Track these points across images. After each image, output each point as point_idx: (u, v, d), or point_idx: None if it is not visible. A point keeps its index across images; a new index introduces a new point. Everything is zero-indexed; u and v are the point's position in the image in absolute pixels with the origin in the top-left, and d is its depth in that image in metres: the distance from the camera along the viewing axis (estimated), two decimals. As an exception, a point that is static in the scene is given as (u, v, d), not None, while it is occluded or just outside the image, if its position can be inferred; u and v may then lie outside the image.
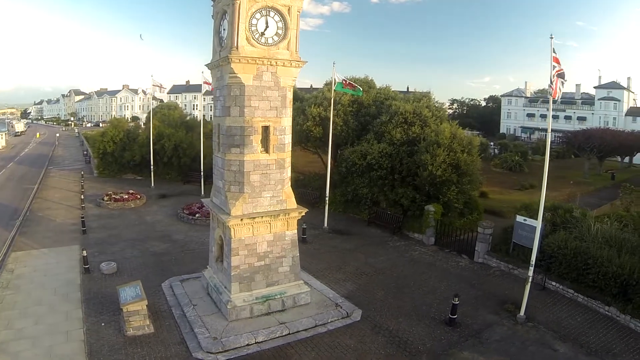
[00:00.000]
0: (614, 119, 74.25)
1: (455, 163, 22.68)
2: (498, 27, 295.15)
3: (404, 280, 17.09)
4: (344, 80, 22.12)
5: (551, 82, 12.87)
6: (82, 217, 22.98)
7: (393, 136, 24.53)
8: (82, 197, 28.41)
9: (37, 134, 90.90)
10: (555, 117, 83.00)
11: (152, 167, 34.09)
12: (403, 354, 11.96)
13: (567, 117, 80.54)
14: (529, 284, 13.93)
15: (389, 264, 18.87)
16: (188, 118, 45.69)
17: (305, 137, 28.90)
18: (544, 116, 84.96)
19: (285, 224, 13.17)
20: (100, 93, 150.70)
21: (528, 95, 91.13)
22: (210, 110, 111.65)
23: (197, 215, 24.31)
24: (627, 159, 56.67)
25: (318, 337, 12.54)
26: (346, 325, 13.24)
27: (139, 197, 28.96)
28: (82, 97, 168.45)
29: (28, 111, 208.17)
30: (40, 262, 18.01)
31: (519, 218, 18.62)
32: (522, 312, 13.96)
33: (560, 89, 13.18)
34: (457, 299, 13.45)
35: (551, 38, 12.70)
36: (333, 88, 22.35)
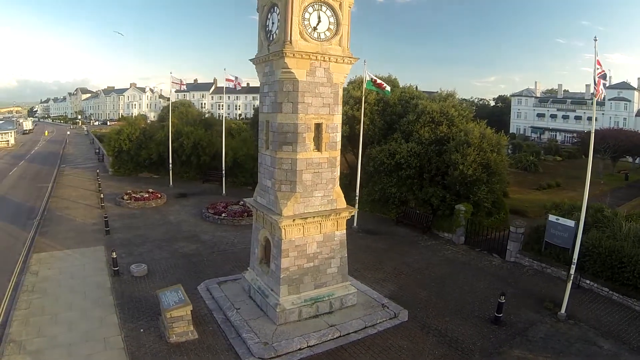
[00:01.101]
0: (625, 119, 73.84)
1: (486, 162, 22.56)
2: (502, 27, 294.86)
3: (443, 279, 16.98)
4: (373, 79, 21.77)
5: (595, 84, 12.91)
6: (106, 217, 22.34)
7: (421, 135, 24.29)
8: (102, 196, 27.94)
9: (46, 132, 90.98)
10: (565, 117, 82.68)
11: (170, 165, 33.72)
12: (456, 353, 11.90)
13: (578, 117, 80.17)
14: (570, 282, 14.01)
15: (425, 263, 18.68)
16: (206, 115, 45.32)
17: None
18: (554, 116, 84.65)
19: (335, 224, 12.83)
20: (108, 91, 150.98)
21: (538, 95, 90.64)
22: (220, 108, 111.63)
23: (223, 215, 23.85)
24: (638, 160, 56.64)
25: (369, 338, 12.29)
26: (395, 326, 13.03)
27: (159, 196, 28.55)
28: (88, 95, 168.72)
29: (34, 109, 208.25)
30: (65, 264, 17.41)
31: (552, 217, 18.69)
32: (562, 310, 14.05)
33: (602, 90, 13.15)
34: (503, 297, 13.43)
35: (595, 40, 12.57)
36: (364, 86, 22.01)
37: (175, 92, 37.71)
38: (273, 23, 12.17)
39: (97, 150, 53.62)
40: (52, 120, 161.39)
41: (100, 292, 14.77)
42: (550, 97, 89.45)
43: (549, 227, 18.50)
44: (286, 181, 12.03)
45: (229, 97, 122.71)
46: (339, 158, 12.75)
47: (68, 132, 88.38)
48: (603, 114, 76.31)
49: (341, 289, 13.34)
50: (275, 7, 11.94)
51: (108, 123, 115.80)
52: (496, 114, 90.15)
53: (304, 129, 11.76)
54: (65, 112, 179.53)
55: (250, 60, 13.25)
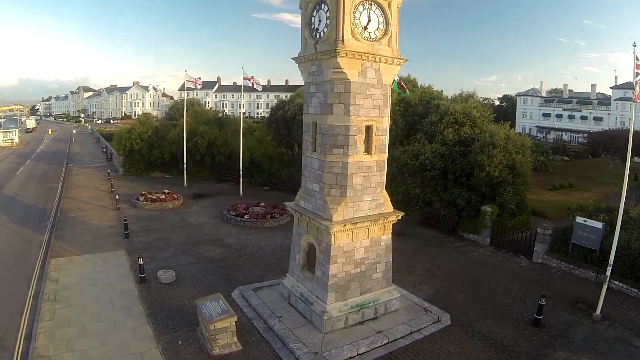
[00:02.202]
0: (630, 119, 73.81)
1: (511, 164, 22.37)
2: (503, 25, 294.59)
3: (477, 281, 16.84)
4: (399, 80, 21.46)
5: (634, 87, 12.89)
6: (125, 220, 21.60)
7: (445, 136, 24.05)
8: (117, 197, 27.28)
9: (49, 130, 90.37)
10: (571, 117, 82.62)
11: (185, 165, 33.31)
12: (503, 356, 11.80)
13: (584, 117, 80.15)
14: (606, 283, 14.10)
15: (456, 265, 18.52)
16: (220, 115, 44.89)
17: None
18: (559, 116, 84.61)
19: (382, 229, 12.58)
20: (110, 90, 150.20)
21: (543, 94, 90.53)
22: (224, 106, 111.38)
23: (245, 217, 23.43)
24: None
25: (417, 344, 12.07)
26: (440, 330, 12.85)
27: (176, 197, 28.08)
28: (91, 93, 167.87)
29: (36, 107, 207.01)
30: (86, 270, 16.64)
31: (579, 219, 18.68)
32: (597, 311, 14.06)
33: None
34: (544, 299, 13.39)
35: (634, 46, 12.49)
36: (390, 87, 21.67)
37: (186, 89, 37.18)
38: (320, 21, 11.82)
39: (105, 149, 53.16)
40: (55, 119, 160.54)
41: (128, 301, 14.08)
42: (556, 97, 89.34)
43: (577, 229, 18.42)
44: (336, 185, 11.68)
45: (232, 95, 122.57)
46: (386, 161, 12.48)
47: (73, 131, 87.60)
48: (609, 114, 76.31)
49: (385, 293, 13.09)
50: (323, 5, 11.59)
51: (111, 121, 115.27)
52: (501, 114, 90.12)
53: (355, 132, 11.45)
54: (68, 111, 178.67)
55: (293, 58, 12.89)
